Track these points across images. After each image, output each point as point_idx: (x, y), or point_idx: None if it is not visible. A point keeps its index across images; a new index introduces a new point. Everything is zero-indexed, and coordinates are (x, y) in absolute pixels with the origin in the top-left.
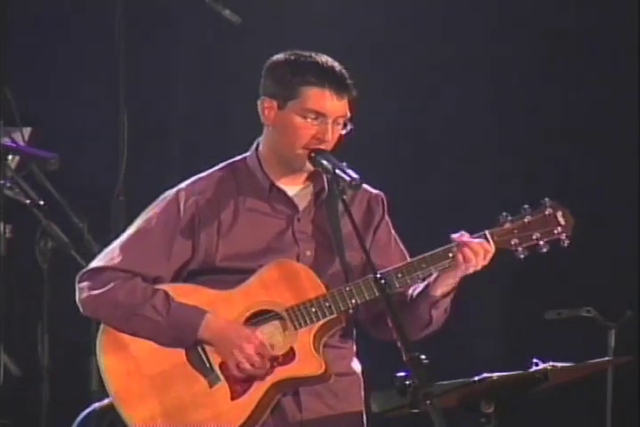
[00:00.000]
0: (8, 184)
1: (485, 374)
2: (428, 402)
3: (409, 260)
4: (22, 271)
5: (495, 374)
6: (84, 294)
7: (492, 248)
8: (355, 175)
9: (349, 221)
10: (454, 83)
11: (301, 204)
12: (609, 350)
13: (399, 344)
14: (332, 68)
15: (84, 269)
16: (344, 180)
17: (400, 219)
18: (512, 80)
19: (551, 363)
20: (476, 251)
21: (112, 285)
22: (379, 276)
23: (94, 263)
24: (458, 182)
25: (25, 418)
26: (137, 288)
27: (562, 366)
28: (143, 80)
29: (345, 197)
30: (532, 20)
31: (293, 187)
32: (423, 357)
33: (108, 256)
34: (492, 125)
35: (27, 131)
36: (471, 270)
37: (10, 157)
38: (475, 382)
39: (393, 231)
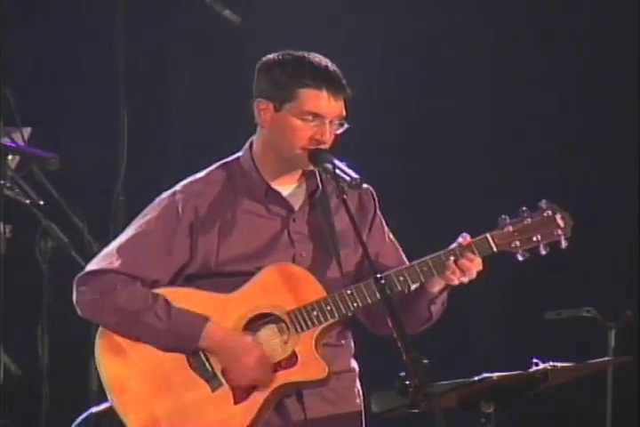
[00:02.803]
0: (8, 184)
1: (485, 374)
2: (428, 402)
3: (409, 263)
4: (22, 271)
5: (495, 374)
6: (84, 298)
7: (480, 264)
8: (355, 175)
9: (350, 222)
10: (454, 82)
11: (296, 203)
12: (609, 350)
13: (399, 344)
14: (327, 68)
15: (82, 273)
16: (344, 180)
17: (398, 218)
18: (513, 80)
19: (551, 363)
20: (466, 268)
21: (112, 289)
22: (379, 276)
23: (92, 266)
24: (456, 182)
25: (25, 418)
26: (138, 293)
27: (562, 366)
28: (143, 80)
29: (345, 196)
30: (532, 19)
31: (288, 186)
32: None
33: (106, 259)
34: (492, 125)
35: (27, 131)
36: (466, 280)
37: (10, 157)
38: (475, 382)
39: (386, 226)
